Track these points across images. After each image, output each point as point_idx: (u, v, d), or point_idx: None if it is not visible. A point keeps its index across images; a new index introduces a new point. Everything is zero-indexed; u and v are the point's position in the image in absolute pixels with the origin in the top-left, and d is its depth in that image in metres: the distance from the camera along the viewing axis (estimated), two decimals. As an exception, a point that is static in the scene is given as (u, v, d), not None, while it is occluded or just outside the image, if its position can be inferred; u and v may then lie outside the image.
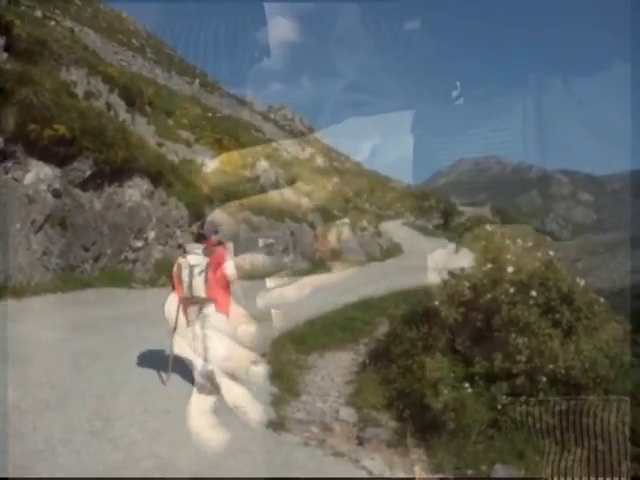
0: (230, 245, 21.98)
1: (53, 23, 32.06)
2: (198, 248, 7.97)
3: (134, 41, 53.02)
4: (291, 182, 32.36)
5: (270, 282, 16.59)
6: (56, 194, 14.30)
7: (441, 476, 6.62)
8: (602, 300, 8.48)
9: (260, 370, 9.34)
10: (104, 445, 6.10)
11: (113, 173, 16.81)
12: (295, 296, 15.35)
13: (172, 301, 8.23)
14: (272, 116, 65.70)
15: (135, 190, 17.76)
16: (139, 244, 17.56)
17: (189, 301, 7.92)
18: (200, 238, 8.21)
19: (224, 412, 7.43)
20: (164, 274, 17.18)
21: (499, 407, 7.39)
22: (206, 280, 7.78)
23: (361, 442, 7.42)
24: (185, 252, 8.08)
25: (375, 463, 6.82)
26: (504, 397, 7.47)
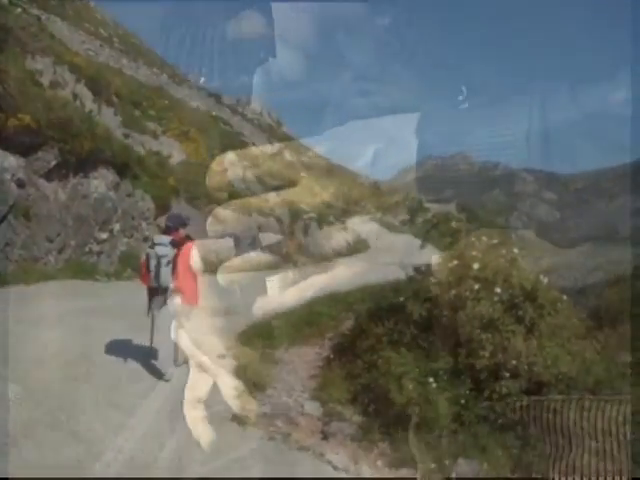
0: (230, 240, 21.84)
1: (19, 10, 31.53)
2: (166, 240, 8.12)
3: (101, 30, 52.43)
4: (259, 176, 32.29)
5: (270, 283, 16.18)
6: (20, 184, 14.09)
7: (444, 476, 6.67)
8: (565, 297, 8.60)
9: (226, 363, 9.35)
10: (67, 438, 6.05)
11: (78, 164, 16.64)
12: (297, 300, 15.10)
13: None
14: (240, 109, 65.36)
15: (100, 181, 17.60)
16: (104, 236, 17.42)
17: (156, 291, 8.05)
18: (168, 230, 8.33)
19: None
20: (129, 267, 17.09)
21: (462, 402, 7.47)
22: (173, 271, 7.92)
23: (326, 436, 7.46)
24: (153, 243, 8.25)
25: (339, 457, 6.86)
26: (467, 392, 7.56)
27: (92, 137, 17.12)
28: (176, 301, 8.00)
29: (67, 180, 16.33)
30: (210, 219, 21.63)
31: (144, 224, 19.51)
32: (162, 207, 20.20)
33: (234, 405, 7.83)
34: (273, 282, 15.84)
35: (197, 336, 8.39)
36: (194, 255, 8.19)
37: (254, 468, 6.20)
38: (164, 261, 7.95)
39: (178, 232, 8.30)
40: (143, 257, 8.37)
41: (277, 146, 54.84)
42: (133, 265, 17.08)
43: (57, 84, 20.92)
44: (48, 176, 15.48)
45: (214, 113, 54.06)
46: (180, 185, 23.26)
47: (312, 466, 6.57)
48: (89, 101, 23.37)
